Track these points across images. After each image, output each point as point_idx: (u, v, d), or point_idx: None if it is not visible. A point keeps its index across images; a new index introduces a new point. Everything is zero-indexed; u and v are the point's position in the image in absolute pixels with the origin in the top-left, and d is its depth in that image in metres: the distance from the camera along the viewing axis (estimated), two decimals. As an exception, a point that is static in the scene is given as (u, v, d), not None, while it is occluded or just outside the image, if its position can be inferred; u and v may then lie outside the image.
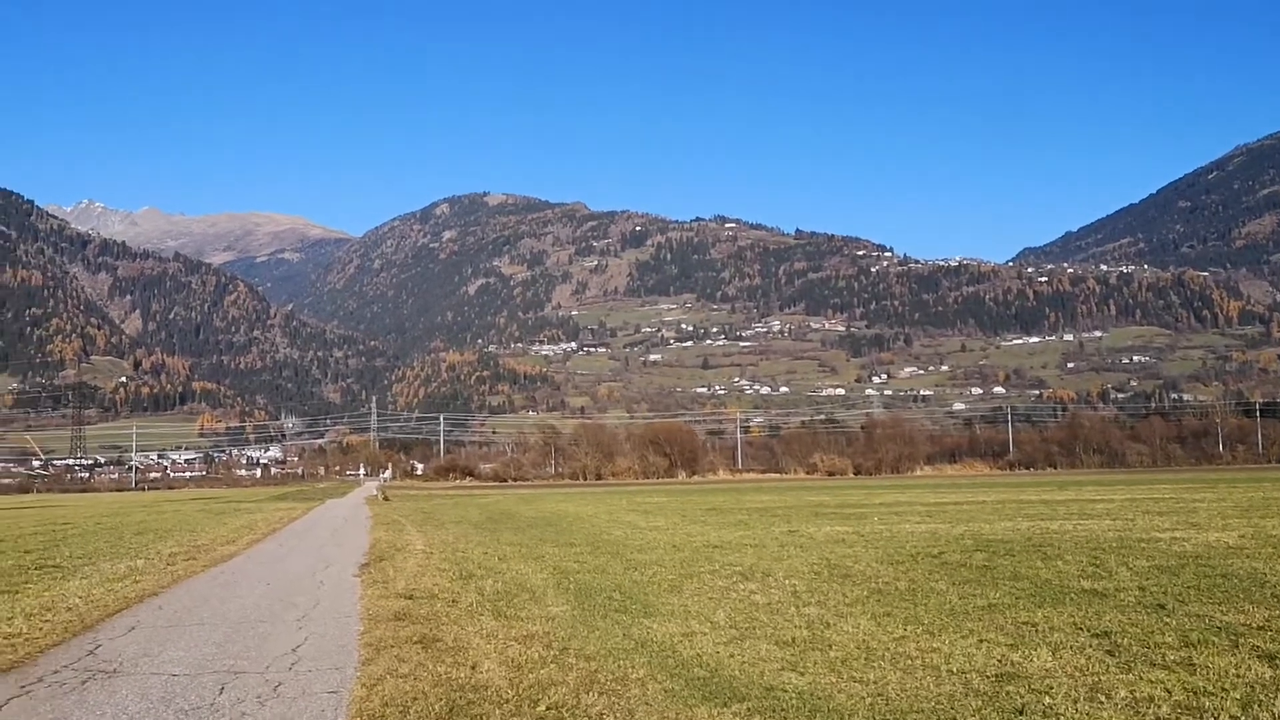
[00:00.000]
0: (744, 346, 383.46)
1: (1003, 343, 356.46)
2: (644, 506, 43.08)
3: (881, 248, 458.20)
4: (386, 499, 64.31)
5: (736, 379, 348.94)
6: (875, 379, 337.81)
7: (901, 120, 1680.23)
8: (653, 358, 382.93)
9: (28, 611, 13.53)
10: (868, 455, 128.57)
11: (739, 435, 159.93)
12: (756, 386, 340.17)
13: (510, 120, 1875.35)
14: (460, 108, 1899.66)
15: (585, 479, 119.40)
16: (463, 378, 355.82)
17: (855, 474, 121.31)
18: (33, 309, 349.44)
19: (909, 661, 9.47)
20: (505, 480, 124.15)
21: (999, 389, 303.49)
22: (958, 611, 12.18)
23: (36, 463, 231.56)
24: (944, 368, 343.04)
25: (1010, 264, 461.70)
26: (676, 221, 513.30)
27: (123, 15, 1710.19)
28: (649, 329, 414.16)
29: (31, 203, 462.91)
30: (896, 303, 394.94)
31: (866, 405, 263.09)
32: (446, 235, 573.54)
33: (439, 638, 11.04)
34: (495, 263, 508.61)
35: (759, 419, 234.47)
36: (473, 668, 9.47)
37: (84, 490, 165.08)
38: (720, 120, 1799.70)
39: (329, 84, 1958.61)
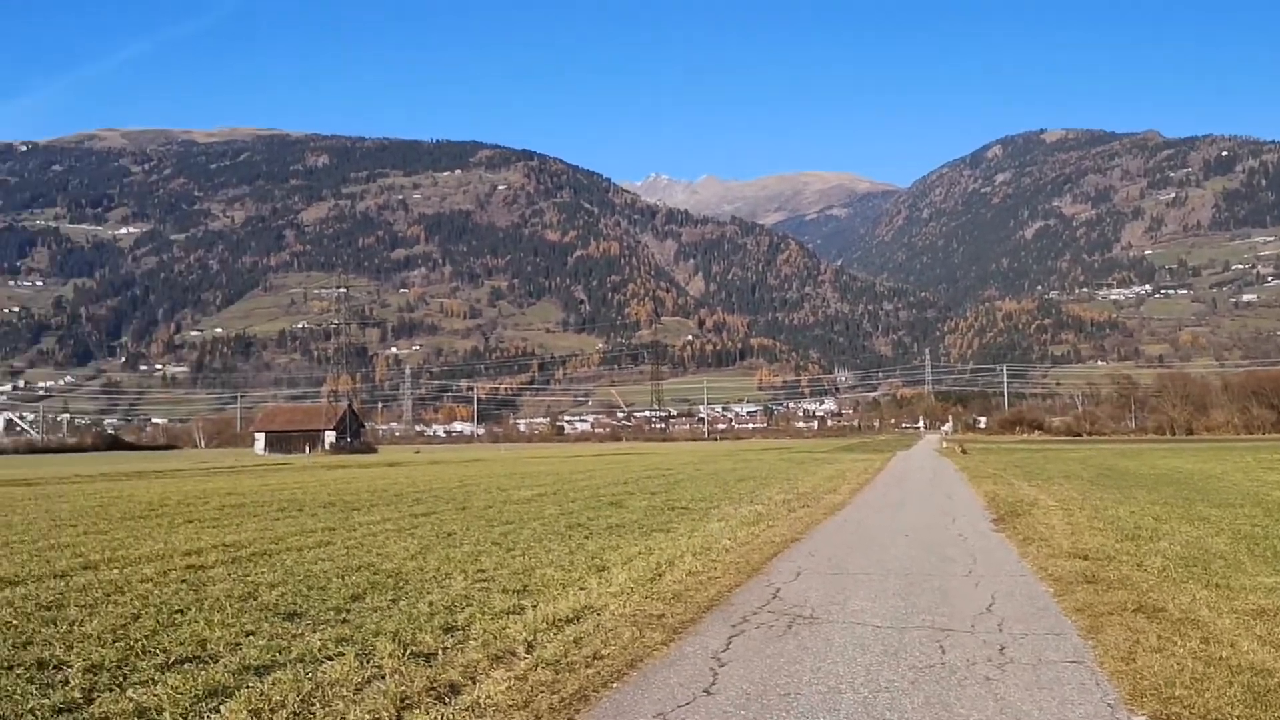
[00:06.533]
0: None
1: None
2: (1283, 465, 37.42)
3: None
4: (964, 451, 62.76)
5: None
6: None
7: None
8: (1246, 298, 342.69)
9: (694, 550, 13.98)
10: None
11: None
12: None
13: (1069, 50, 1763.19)
14: (1011, 44, 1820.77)
15: (1173, 433, 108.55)
16: (1021, 327, 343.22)
17: None
18: (612, 276, 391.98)
19: None
20: (1079, 434, 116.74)
21: None
22: None
23: (620, 414, 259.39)
24: None
25: None
26: (1273, 142, 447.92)
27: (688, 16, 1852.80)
28: (1240, 266, 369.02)
29: (609, 180, 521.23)
30: None
31: None
32: (1000, 178, 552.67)
33: (1160, 607, 9.58)
34: (1055, 203, 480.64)
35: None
36: (1231, 646, 7.97)
37: (663, 439, 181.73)
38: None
39: (870, 38, 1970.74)
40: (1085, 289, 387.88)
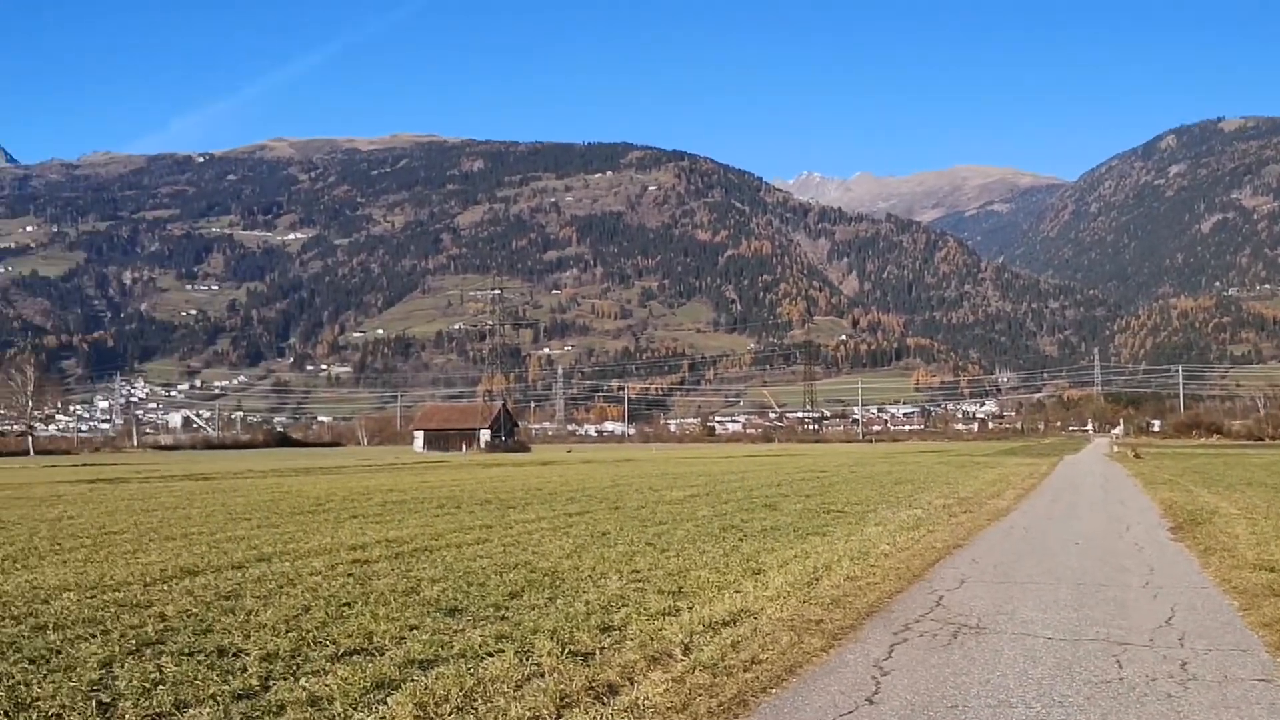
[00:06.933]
0: None
1: None
2: None
3: None
4: (1137, 456, 59.98)
5: None
6: None
7: None
8: None
9: (851, 555, 13.70)
10: None
11: None
12: None
13: (1247, 35, 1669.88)
14: (1183, 30, 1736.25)
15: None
16: (1197, 325, 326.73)
17: None
18: (764, 275, 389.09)
19: None
20: (1261, 439, 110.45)
21: None
22: None
23: (773, 415, 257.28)
24: None
25: None
26: None
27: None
28: None
29: (760, 179, 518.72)
30: None
31: None
32: (1174, 170, 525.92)
33: (1355, 623, 8.90)
34: (1234, 195, 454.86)
35: None
36: None
37: (816, 440, 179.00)
38: None
39: (1030, 29, 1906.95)
40: (1268, 285, 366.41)
